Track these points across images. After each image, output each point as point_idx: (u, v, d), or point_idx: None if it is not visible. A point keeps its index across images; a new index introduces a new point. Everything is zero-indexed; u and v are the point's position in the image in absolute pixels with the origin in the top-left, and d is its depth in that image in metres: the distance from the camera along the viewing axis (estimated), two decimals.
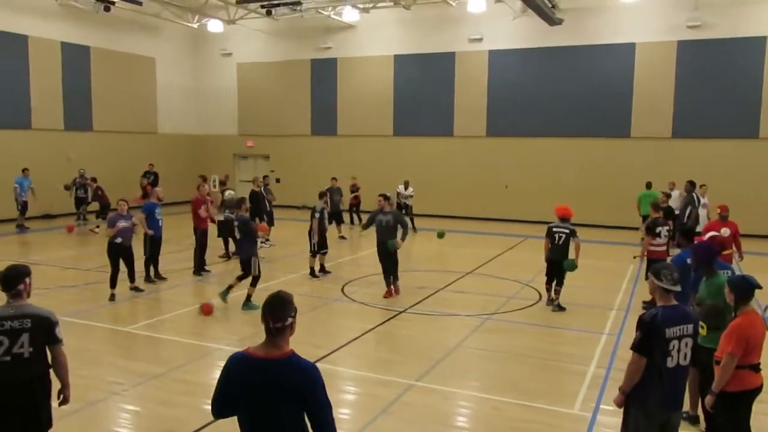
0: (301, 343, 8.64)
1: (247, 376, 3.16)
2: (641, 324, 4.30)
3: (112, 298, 10.68)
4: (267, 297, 3.25)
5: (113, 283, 10.75)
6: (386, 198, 11.27)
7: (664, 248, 10.30)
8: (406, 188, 19.69)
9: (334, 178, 18.51)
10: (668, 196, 15.96)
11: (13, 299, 4.36)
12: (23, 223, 18.63)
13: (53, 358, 4.47)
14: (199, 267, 12.91)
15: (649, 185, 17.64)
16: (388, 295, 11.09)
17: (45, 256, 14.97)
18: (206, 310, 9.95)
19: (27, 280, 4.44)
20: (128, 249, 10.99)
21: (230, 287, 10.46)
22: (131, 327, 9.25)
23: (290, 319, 3.18)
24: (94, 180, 19.62)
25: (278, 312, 3.16)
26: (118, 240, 10.75)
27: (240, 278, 10.43)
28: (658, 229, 10.14)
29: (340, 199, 18.18)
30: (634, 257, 12.34)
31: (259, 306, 9.91)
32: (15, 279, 4.37)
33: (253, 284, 10.30)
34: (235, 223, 10.98)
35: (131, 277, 11.24)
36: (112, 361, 8.10)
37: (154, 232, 11.84)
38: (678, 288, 4.35)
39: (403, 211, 19.40)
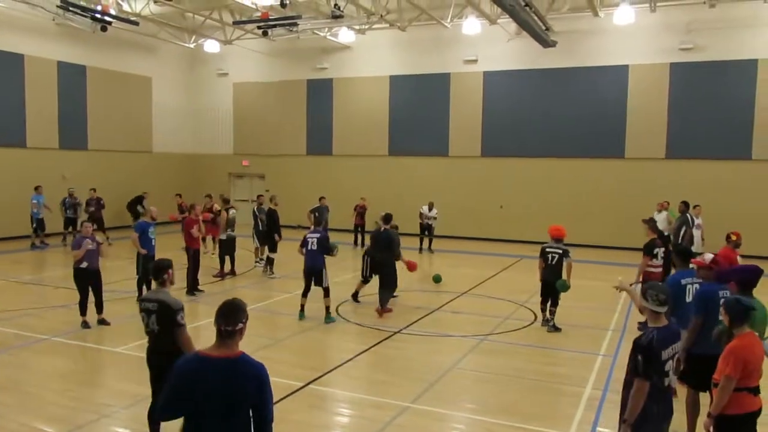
0: (293, 365, 8.60)
1: (204, 375, 3.34)
2: (640, 348, 4.22)
3: (85, 325, 10.07)
4: (221, 303, 3.48)
5: (83, 310, 10.13)
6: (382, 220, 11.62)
7: (660, 270, 10.24)
8: (430, 209, 19.73)
9: (322, 197, 18.57)
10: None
11: (159, 286, 5.58)
12: (42, 240, 19.12)
13: (176, 338, 5.33)
14: (192, 286, 12.82)
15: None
16: (379, 313, 11.12)
17: (36, 275, 14.88)
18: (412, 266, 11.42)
19: (170, 271, 5.65)
20: (96, 273, 10.18)
21: (327, 308, 10.76)
22: (122, 348, 9.13)
23: (241, 324, 3.44)
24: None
25: (231, 316, 3.41)
26: (84, 265, 9.95)
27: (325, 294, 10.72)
28: (655, 251, 10.09)
29: (328, 217, 18.23)
30: (631, 285, 12.06)
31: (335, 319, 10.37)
32: (160, 271, 5.59)
33: (327, 295, 10.70)
34: (316, 237, 10.74)
35: (99, 307, 10.26)
36: (102, 382, 8.01)
37: (147, 251, 11.75)
38: (663, 309, 4.35)
39: (425, 232, 19.62)
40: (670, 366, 4.29)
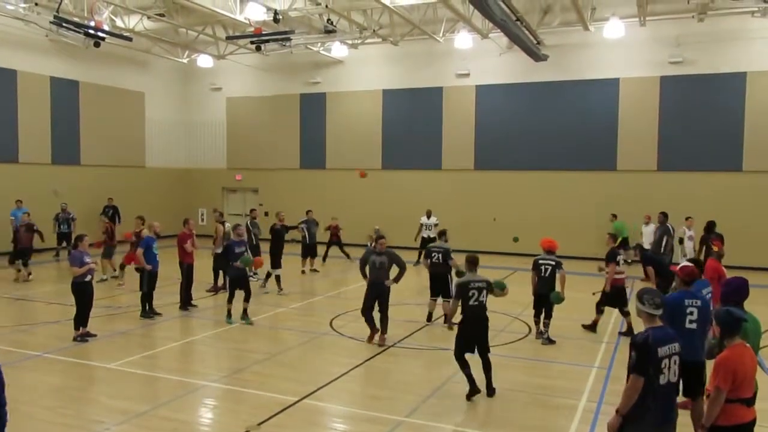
0: (287, 380, 8.56)
1: None
2: (635, 345, 4.51)
3: (83, 338, 10.16)
4: None
5: (85, 323, 10.25)
6: (377, 239, 10.60)
7: (623, 275, 10.85)
8: (428, 217, 19.23)
9: (309, 211, 18.51)
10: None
11: (476, 272, 8.10)
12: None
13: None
14: (186, 302, 12.76)
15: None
16: (370, 339, 10.40)
17: (29, 291, 14.77)
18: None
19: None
20: (92, 288, 10.38)
21: (229, 311, 11.67)
22: (114, 364, 9.07)
23: None
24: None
25: None
26: (88, 278, 10.13)
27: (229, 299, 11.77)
28: (618, 258, 10.58)
29: (316, 231, 18.14)
30: (594, 293, 12.51)
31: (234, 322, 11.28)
32: (477, 261, 8.19)
33: (229, 300, 11.68)
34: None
35: (86, 321, 10.33)
36: (94, 398, 7.93)
37: (152, 267, 11.71)
38: (660, 312, 4.63)
39: (428, 245, 18.91)
40: (666, 364, 4.50)
